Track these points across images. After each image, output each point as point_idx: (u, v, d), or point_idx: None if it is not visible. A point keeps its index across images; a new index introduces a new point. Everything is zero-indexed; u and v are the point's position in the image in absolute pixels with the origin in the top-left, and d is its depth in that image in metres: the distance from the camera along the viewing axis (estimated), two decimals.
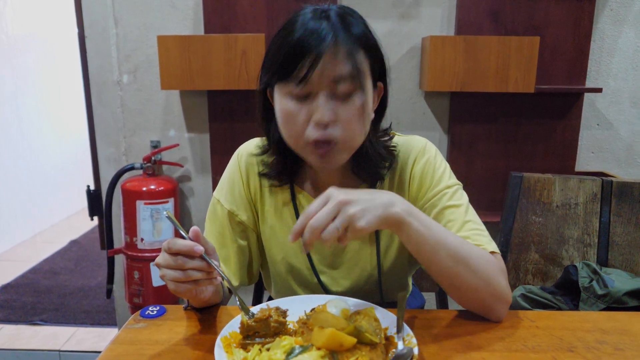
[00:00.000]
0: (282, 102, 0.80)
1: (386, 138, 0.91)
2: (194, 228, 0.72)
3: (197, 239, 0.72)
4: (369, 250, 0.94)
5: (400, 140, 0.94)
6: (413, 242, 0.76)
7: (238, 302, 0.75)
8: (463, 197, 0.89)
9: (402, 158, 0.92)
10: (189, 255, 0.70)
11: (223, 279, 0.75)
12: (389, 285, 0.98)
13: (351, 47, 0.76)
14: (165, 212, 0.78)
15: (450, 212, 0.86)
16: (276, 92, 0.81)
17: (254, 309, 0.76)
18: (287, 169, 0.91)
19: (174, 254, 0.71)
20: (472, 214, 0.88)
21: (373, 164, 0.88)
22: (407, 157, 0.92)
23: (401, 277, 1.00)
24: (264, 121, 0.88)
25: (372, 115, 0.84)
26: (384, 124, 0.92)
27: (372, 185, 0.91)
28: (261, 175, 0.93)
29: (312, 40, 0.74)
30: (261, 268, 1.05)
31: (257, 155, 0.94)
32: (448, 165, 0.93)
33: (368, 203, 0.70)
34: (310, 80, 0.75)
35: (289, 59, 0.76)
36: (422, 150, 0.92)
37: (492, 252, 0.83)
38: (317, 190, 0.93)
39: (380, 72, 0.84)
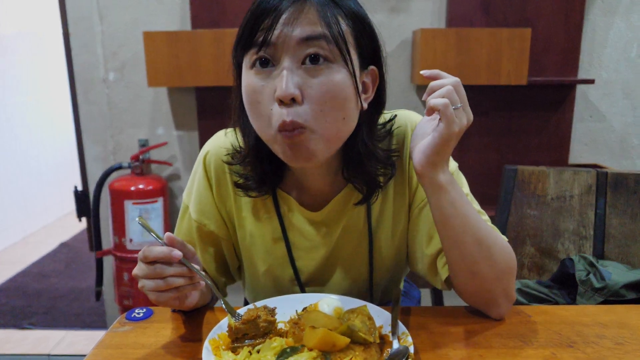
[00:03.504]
0: (246, 79, 0.68)
1: (386, 139, 0.80)
2: (167, 234, 0.69)
3: (172, 244, 0.68)
4: (359, 262, 0.86)
5: (388, 117, 0.84)
6: (443, 215, 0.71)
7: (224, 305, 0.73)
8: (465, 183, 0.83)
9: (397, 135, 0.82)
10: (167, 261, 0.66)
11: (206, 282, 0.72)
12: (381, 293, 0.92)
13: (325, 4, 0.64)
14: (137, 219, 0.74)
15: None
16: (243, 69, 0.69)
17: (241, 311, 0.74)
18: (268, 176, 0.78)
19: (151, 262, 0.67)
20: (476, 201, 0.82)
21: (367, 169, 0.75)
22: (404, 135, 0.82)
23: (394, 285, 0.93)
24: (241, 117, 0.76)
25: (364, 105, 0.72)
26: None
27: (369, 195, 0.78)
28: (237, 186, 0.80)
29: (274, 1, 0.63)
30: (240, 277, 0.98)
31: (229, 165, 0.81)
32: None
33: (446, 155, 0.68)
34: (273, 43, 0.63)
35: (250, 22, 0.65)
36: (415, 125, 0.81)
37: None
38: (303, 194, 0.82)
39: (372, 53, 0.71)
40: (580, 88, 2.03)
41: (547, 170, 1.19)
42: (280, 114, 0.64)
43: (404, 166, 0.82)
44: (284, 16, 0.63)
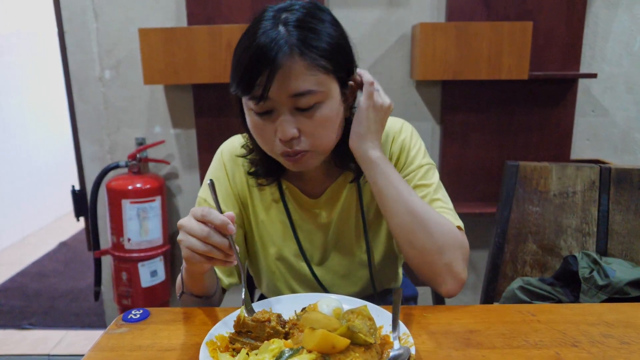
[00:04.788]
0: (248, 115, 0.80)
1: None
2: (229, 213, 0.71)
3: (232, 221, 0.71)
4: (356, 236, 0.95)
5: None
6: (377, 186, 0.83)
7: (243, 295, 0.74)
8: (434, 177, 0.92)
9: (382, 140, 0.92)
10: (220, 230, 0.69)
11: (239, 266, 0.76)
12: (380, 272, 0.99)
13: (310, 60, 0.73)
14: (209, 180, 0.78)
15: (419, 190, 0.90)
16: (243, 102, 0.81)
17: (256, 305, 0.75)
18: (272, 168, 0.90)
19: (204, 222, 0.69)
20: (442, 193, 0.92)
21: (352, 157, 0.87)
22: (385, 139, 0.93)
23: (391, 265, 1.01)
24: (245, 122, 0.85)
25: (345, 114, 0.84)
26: None
27: (358, 175, 0.91)
28: (249, 174, 0.93)
29: (267, 56, 0.71)
30: (250, 266, 1.04)
31: (243, 157, 0.93)
32: (423, 145, 0.95)
33: (371, 128, 0.83)
34: (270, 97, 0.74)
35: (245, 76, 0.74)
36: (399, 131, 0.94)
37: (458, 227, 0.86)
38: (304, 183, 0.93)
39: (351, 70, 0.81)
40: (582, 82, 2.01)
41: (550, 166, 1.18)
42: (282, 146, 0.78)
43: (388, 150, 0.94)
44: (277, 74, 0.72)
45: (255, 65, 0.72)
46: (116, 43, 2.02)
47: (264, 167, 0.90)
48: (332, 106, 0.78)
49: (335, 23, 0.78)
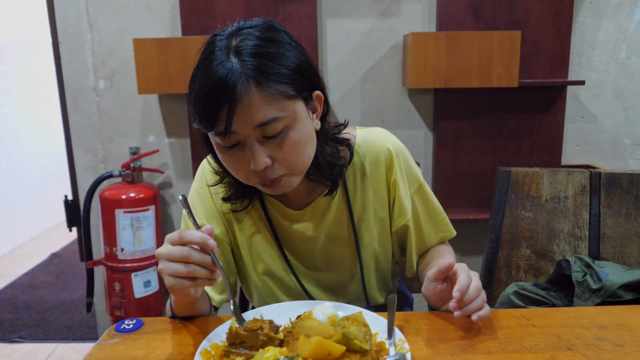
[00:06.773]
0: (217, 150, 0.78)
1: (337, 138, 0.88)
2: (208, 226, 0.71)
3: (210, 235, 0.70)
4: (349, 251, 0.94)
5: (361, 137, 0.92)
6: None
7: (232, 307, 0.74)
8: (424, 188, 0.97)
9: (370, 161, 0.91)
10: (201, 247, 0.68)
11: (226, 281, 0.75)
12: (373, 286, 0.98)
13: (269, 89, 0.70)
14: (180, 196, 0.78)
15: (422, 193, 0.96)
16: (210, 137, 0.77)
17: (248, 315, 0.75)
18: (248, 190, 0.88)
19: (182, 245, 0.68)
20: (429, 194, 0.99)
21: (328, 171, 0.85)
22: (377, 164, 0.91)
23: (384, 277, 1.00)
24: (214, 154, 0.82)
25: (317, 127, 0.81)
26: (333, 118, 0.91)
27: (334, 187, 0.88)
28: (224, 200, 0.90)
29: (224, 90, 0.68)
30: (240, 281, 1.02)
31: (217, 184, 0.89)
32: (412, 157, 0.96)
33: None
34: (235, 131, 0.71)
35: (206, 113, 0.71)
36: (393, 158, 0.91)
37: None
38: (285, 197, 0.91)
39: (313, 85, 0.78)
40: (571, 89, 2.03)
41: (541, 172, 1.19)
42: (257, 176, 0.76)
43: (380, 191, 0.92)
44: (238, 107, 0.69)
45: (213, 101, 0.69)
46: (110, 53, 2.02)
47: (240, 190, 0.87)
48: (301, 127, 0.75)
49: (292, 42, 0.75)
